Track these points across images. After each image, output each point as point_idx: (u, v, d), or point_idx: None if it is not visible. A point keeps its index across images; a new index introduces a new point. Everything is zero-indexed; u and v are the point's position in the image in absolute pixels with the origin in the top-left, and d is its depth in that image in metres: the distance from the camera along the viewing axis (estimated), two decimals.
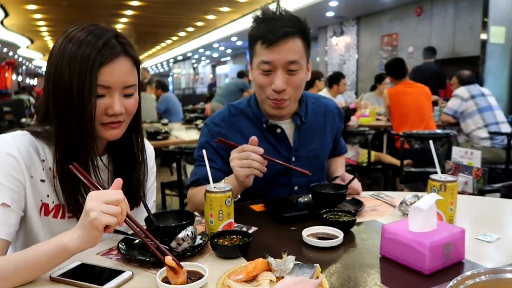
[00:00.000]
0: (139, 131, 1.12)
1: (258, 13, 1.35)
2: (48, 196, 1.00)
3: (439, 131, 3.79)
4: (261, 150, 1.18)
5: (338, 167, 1.64)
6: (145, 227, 0.99)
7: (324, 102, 1.57)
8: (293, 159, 1.45)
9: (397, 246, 0.89)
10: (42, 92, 1.04)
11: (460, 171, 1.94)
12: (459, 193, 1.15)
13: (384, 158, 4.02)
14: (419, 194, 1.25)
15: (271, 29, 1.27)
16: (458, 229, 0.91)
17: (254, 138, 1.20)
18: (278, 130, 1.43)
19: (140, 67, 1.06)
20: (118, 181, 0.85)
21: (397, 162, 3.77)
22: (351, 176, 1.41)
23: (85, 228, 0.79)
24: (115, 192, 0.83)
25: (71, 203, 0.98)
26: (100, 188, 0.87)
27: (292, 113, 1.45)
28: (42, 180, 0.99)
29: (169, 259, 0.78)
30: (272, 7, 1.36)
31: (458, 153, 2.03)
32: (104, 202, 0.79)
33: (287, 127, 1.45)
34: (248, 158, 1.16)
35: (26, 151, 0.97)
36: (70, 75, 0.92)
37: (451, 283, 0.62)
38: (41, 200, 1.00)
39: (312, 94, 1.59)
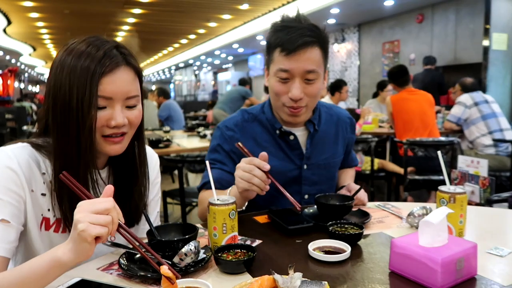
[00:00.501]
0: (142, 144, 1.09)
1: (277, 19, 1.35)
2: (49, 210, 0.97)
3: (443, 138, 3.76)
4: (267, 167, 1.12)
5: (348, 179, 1.62)
6: (146, 241, 0.97)
7: (336, 111, 1.57)
8: (305, 166, 1.44)
9: (407, 262, 0.86)
10: (43, 102, 1.02)
11: (466, 180, 1.91)
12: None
13: (387, 166, 3.99)
14: (427, 205, 1.22)
15: (290, 37, 1.26)
16: (470, 243, 0.88)
17: (264, 154, 1.16)
18: (291, 137, 1.43)
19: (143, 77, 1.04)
20: (109, 188, 0.81)
21: (400, 170, 3.74)
22: (357, 187, 1.38)
23: (75, 241, 0.76)
24: (105, 200, 0.78)
25: (68, 219, 0.96)
26: (91, 197, 0.82)
27: (306, 120, 1.44)
28: (43, 194, 0.96)
29: (165, 269, 0.75)
30: (291, 13, 1.36)
31: (464, 162, 2.00)
32: (93, 212, 0.75)
33: (300, 134, 1.45)
34: (250, 172, 1.12)
35: (27, 164, 0.94)
36: (69, 87, 0.90)
37: None
38: (42, 214, 0.97)
39: (325, 103, 1.58)
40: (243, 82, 7.08)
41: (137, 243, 0.83)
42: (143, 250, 0.82)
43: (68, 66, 0.91)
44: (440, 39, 7.59)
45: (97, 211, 0.76)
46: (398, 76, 4.08)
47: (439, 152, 1.15)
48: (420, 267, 0.83)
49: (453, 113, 4.19)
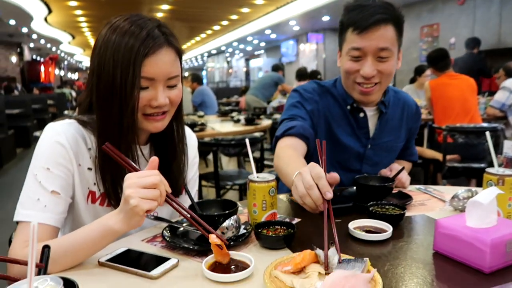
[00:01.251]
0: (181, 121, 1.11)
1: (351, 1, 1.34)
2: (94, 184, 1.01)
3: (485, 124, 3.59)
4: (329, 195, 0.88)
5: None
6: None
7: (403, 96, 1.55)
8: (369, 146, 1.45)
9: (453, 242, 0.84)
10: (86, 84, 1.04)
11: None
12: None
13: (425, 153, 3.87)
14: (472, 188, 1.18)
15: (363, 16, 1.27)
16: None
17: (336, 176, 0.92)
18: (361, 114, 1.43)
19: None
20: (154, 160, 0.84)
21: (439, 156, 3.61)
22: (399, 167, 1.35)
23: (127, 213, 0.80)
24: (151, 173, 0.81)
25: (110, 195, 0.99)
26: (135, 168, 0.85)
27: (378, 101, 1.44)
28: (89, 168, 1.00)
29: (213, 237, 0.78)
30: None
31: (510, 147, 1.90)
32: (142, 187, 0.78)
33: (371, 114, 1.45)
34: (307, 190, 0.89)
35: (74, 139, 0.98)
36: (113, 67, 0.92)
37: None
38: (88, 188, 1.01)
39: (391, 87, 1.55)
40: (276, 68, 7.01)
41: (185, 212, 0.86)
42: (190, 217, 0.85)
43: (112, 45, 0.92)
44: (483, 22, 7.22)
45: (146, 185, 0.79)
46: (438, 60, 3.91)
47: (487, 133, 1.10)
48: (468, 248, 0.81)
49: (496, 99, 4.00)
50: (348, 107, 1.42)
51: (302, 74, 6.65)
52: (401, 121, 1.51)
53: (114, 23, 0.96)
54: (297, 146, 1.28)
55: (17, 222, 0.92)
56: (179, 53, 1.01)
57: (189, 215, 0.86)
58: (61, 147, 0.95)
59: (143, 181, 0.79)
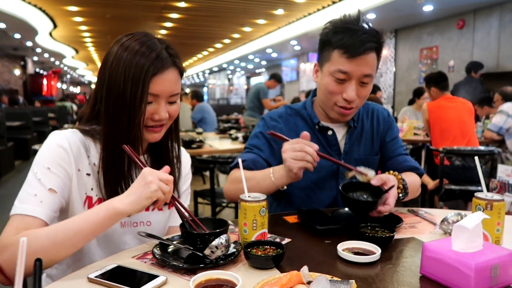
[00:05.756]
0: (177, 139, 1.20)
1: (337, 20, 1.35)
2: (92, 189, 1.06)
3: (482, 147, 3.62)
4: (316, 146, 1.19)
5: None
6: (179, 234, 1.01)
7: (371, 107, 1.56)
8: (343, 161, 1.43)
9: (439, 266, 0.85)
10: (90, 96, 1.14)
11: (506, 190, 1.84)
12: (506, 213, 1.08)
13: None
14: (462, 212, 1.19)
15: (355, 42, 1.28)
16: (507, 251, 0.85)
17: (306, 133, 1.23)
18: (330, 132, 1.46)
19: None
20: (167, 168, 0.98)
21: (428, 181, 3.63)
22: (394, 181, 1.20)
23: (140, 196, 0.90)
24: (167, 173, 0.96)
25: (112, 197, 1.02)
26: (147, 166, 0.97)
27: None
28: (88, 174, 1.06)
29: None
30: (350, 12, 1.36)
31: (504, 171, 1.93)
32: (160, 179, 0.92)
33: (338, 130, 1.47)
34: (302, 151, 1.17)
35: (76, 145, 1.05)
36: (124, 81, 1.00)
37: None
38: (86, 193, 1.06)
39: None
40: (271, 76, 6.63)
41: (187, 214, 1.00)
42: (190, 219, 0.99)
43: (124, 62, 1.01)
44: (482, 46, 7.33)
45: (163, 179, 0.93)
46: (440, 79, 3.93)
47: (476, 158, 1.12)
48: (453, 272, 0.81)
49: (494, 122, 4.03)
50: (316, 126, 1.45)
51: (295, 102, 6.49)
52: (373, 132, 1.51)
53: (125, 42, 1.04)
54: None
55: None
56: (182, 73, 1.11)
57: (190, 218, 0.99)
58: (63, 150, 1.02)
59: (161, 175, 0.93)
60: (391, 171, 1.29)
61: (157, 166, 1.14)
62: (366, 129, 1.51)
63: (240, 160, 1.16)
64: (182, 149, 1.26)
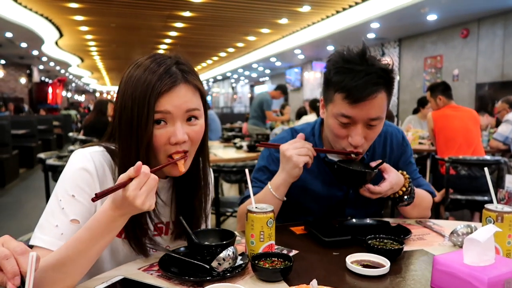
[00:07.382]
0: (206, 156, 1.11)
1: (338, 57, 1.21)
2: None
3: (488, 157, 3.59)
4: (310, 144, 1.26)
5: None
6: (186, 245, 1.00)
7: (384, 130, 1.40)
8: (351, 191, 1.40)
9: (450, 280, 0.83)
10: (113, 111, 1.04)
11: None
12: None
13: None
14: (472, 224, 1.17)
15: (356, 85, 1.14)
16: None
17: (302, 134, 1.32)
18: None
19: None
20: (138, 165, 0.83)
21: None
22: (386, 165, 1.27)
23: (126, 207, 0.82)
24: (155, 181, 0.84)
25: (127, 228, 0.97)
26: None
27: None
28: None
29: None
30: (355, 48, 1.21)
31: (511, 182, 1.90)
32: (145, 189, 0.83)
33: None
34: (304, 147, 1.23)
35: (101, 167, 0.99)
36: (132, 102, 0.94)
37: None
38: None
39: None
40: (277, 87, 6.63)
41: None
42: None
43: (133, 81, 0.95)
44: (487, 55, 7.32)
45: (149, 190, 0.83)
46: (446, 88, 3.92)
47: (486, 169, 1.10)
48: (465, 286, 0.80)
49: (500, 132, 4.01)
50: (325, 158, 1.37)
51: (300, 113, 6.46)
52: (385, 156, 1.42)
53: (138, 61, 1.00)
54: None
55: (32, 246, 0.92)
56: (199, 89, 1.01)
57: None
58: (88, 174, 0.97)
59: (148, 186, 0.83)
60: (400, 170, 1.31)
61: (182, 190, 1.09)
62: (377, 156, 1.41)
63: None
64: (210, 170, 1.17)
